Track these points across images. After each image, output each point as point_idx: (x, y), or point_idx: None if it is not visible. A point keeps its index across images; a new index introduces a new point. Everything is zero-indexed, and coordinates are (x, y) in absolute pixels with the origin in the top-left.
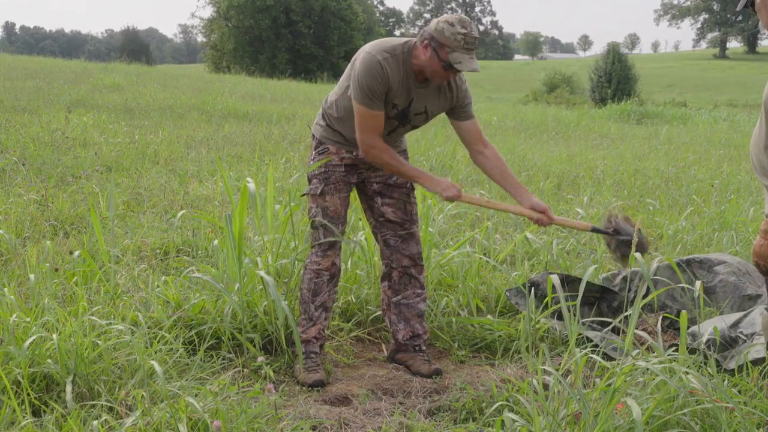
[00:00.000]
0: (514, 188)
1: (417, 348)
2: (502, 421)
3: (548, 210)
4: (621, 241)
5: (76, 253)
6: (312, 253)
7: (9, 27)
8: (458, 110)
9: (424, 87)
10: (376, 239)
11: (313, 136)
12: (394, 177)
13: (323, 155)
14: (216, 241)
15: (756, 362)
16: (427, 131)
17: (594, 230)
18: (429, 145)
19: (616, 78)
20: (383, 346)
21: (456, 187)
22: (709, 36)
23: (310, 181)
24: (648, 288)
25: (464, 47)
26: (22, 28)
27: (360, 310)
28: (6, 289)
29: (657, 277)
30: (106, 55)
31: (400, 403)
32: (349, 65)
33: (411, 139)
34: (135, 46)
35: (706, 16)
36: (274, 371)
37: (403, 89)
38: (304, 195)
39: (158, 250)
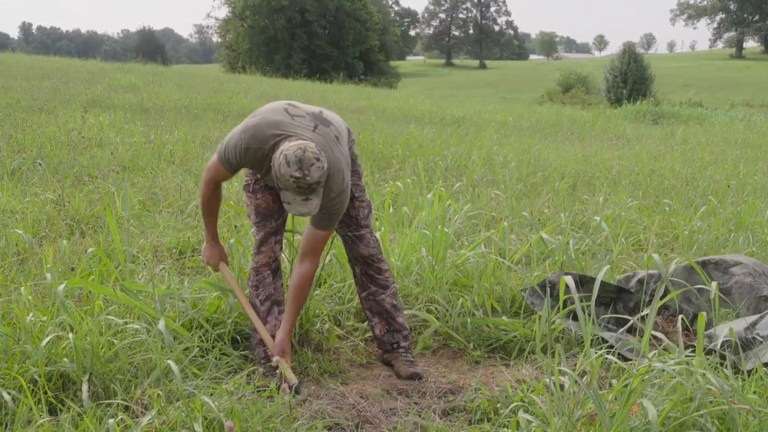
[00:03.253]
0: (287, 312)
1: (396, 345)
2: (517, 421)
3: (286, 355)
4: None
5: (90, 249)
6: (253, 252)
7: (26, 27)
8: (315, 217)
9: None
10: (338, 235)
11: None
12: None
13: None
14: (232, 240)
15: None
16: (442, 131)
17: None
18: (444, 146)
19: (631, 78)
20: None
21: (216, 258)
22: (726, 36)
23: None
24: (665, 289)
25: (296, 190)
26: (39, 28)
27: None
28: (23, 289)
29: (672, 279)
30: (122, 56)
31: (415, 403)
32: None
33: (426, 138)
34: (151, 47)
35: (723, 15)
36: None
37: (270, 180)
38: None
39: (174, 250)
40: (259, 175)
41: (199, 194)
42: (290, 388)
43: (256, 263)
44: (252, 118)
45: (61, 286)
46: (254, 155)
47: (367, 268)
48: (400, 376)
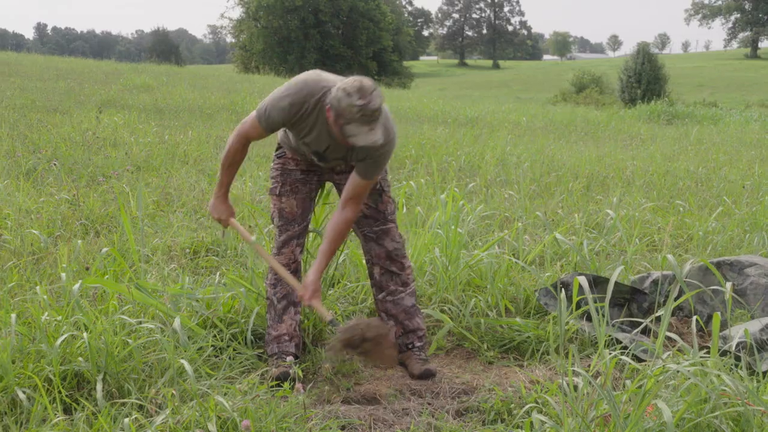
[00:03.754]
0: (321, 253)
1: (410, 346)
2: (531, 422)
3: (318, 293)
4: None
5: (104, 249)
6: (273, 253)
7: (41, 28)
8: (361, 165)
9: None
10: (357, 235)
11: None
12: None
13: (281, 158)
14: (254, 237)
15: None
16: (456, 131)
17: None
18: (458, 146)
19: (645, 78)
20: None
21: (225, 214)
22: (741, 36)
23: (269, 181)
24: (680, 290)
25: (360, 120)
26: (54, 29)
27: None
28: (38, 288)
29: (687, 279)
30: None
31: (429, 404)
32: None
33: (440, 138)
34: (165, 47)
35: (738, 15)
36: (302, 371)
37: (315, 133)
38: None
39: (188, 250)
40: (293, 142)
41: (226, 146)
42: (328, 323)
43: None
44: (294, 79)
45: (77, 286)
46: (297, 110)
47: (390, 264)
48: (413, 375)
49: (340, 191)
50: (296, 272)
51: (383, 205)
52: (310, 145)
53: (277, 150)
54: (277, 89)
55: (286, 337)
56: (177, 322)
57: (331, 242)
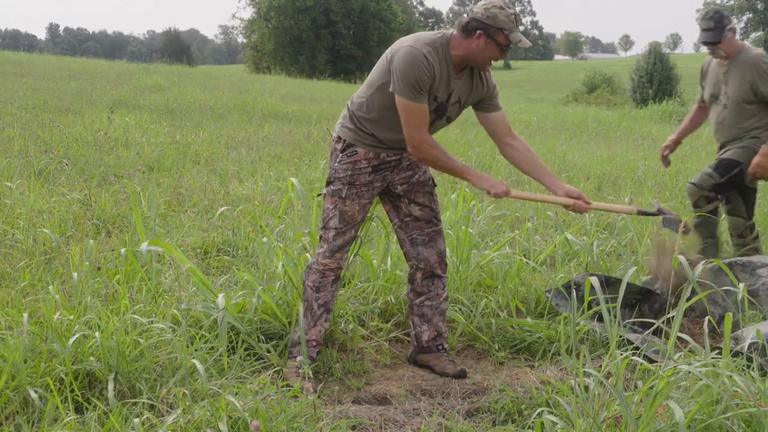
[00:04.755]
0: (545, 177)
1: (440, 347)
2: (542, 423)
3: (583, 195)
4: (668, 220)
5: (123, 250)
6: (319, 254)
7: (53, 28)
8: (488, 101)
9: (459, 78)
10: (401, 241)
11: (339, 138)
12: (417, 175)
13: (351, 158)
14: (265, 239)
15: None
16: (468, 131)
17: (640, 213)
18: (469, 146)
19: (657, 78)
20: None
21: (504, 185)
22: (753, 36)
23: (331, 182)
24: (692, 290)
25: (517, 26)
26: (66, 29)
27: (399, 310)
28: (51, 287)
29: (699, 280)
30: (147, 56)
31: (439, 404)
32: (382, 62)
33: (451, 138)
34: (176, 47)
35: (750, 15)
36: (313, 371)
37: (444, 81)
38: (319, 195)
39: (199, 250)
40: (383, 132)
41: (430, 153)
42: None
43: (324, 266)
44: (403, 50)
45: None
46: (435, 55)
47: (436, 268)
48: (447, 375)
49: (393, 193)
50: (339, 279)
51: (435, 204)
52: (438, 98)
53: (344, 150)
54: (384, 72)
55: (314, 343)
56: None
57: (537, 163)
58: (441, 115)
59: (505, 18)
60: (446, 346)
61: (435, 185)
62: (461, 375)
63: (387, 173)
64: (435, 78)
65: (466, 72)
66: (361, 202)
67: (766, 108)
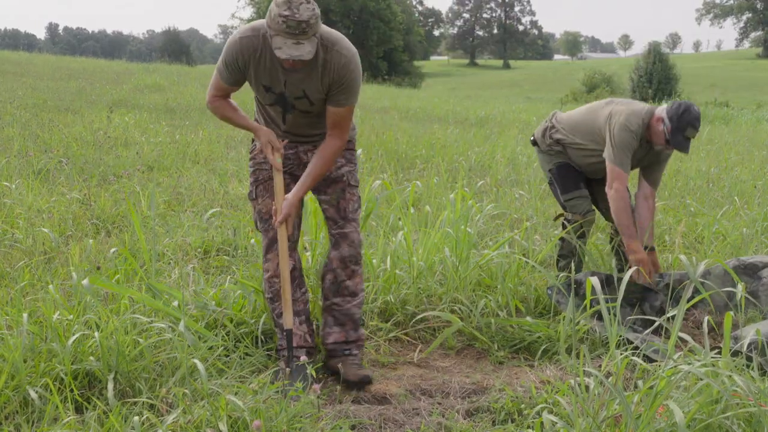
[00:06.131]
0: (303, 176)
1: (347, 352)
2: (542, 422)
3: (291, 207)
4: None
5: (113, 250)
6: (262, 262)
7: (52, 28)
8: (332, 94)
9: (296, 71)
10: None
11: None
12: (330, 172)
13: (252, 153)
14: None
15: None
16: (466, 131)
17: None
18: (468, 146)
19: (657, 78)
20: (420, 346)
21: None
22: (753, 35)
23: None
24: (693, 290)
25: (286, 31)
26: (65, 29)
27: (398, 310)
28: (50, 287)
29: (700, 280)
30: (147, 56)
31: (439, 404)
32: None
33: (450, 138)
34: (176, 47)
35: (749, 15)
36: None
37: (267, 69)
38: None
39: (199, 249)
40: (258, 106)
41: (218, 110)
42: None
43: (267, 272)
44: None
45: (85, 281)
46: (249, 43)
47: (342, 272)
48: (349, 381)
49: (321, 206)
50: (295, 279)
51: (345, 202)
52: (271, 88)
53: (251, 152)
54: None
55: (303, 350)
56: (182, 325)
57: (315, 166)
58: (286, 107)
59: (273, 17)
60: (356, 352)
61: (351, 185)
62: (363, 381)
63: (291, 165)
64: (248, 61)
65: (309, 68)
66: (272, 195)
67: None
